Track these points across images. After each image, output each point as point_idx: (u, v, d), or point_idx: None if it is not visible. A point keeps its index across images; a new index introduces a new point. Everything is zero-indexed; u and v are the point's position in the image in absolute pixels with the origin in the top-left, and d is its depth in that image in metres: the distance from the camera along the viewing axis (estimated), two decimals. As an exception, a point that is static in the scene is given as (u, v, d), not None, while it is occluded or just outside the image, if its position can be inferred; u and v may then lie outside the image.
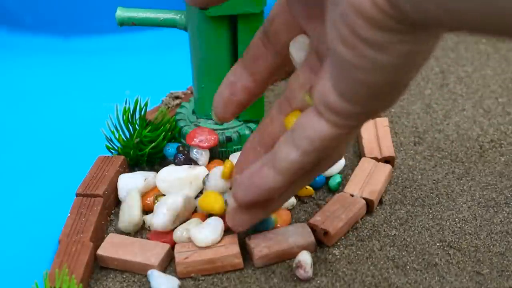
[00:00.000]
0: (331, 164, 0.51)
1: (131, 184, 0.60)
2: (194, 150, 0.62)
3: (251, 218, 0.53)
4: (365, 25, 0.40)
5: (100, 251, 0.55)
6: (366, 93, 0.42)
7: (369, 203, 0.59)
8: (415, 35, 0.40)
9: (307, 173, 0.50)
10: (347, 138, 0.49)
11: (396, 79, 0.42)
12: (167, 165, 0.62)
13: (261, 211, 0.52)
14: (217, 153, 0.63)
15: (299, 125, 0.46)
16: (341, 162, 0.63)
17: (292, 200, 0.60)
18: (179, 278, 0.55)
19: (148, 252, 0.55)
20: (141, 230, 0.59)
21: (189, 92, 0.69)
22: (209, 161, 0.62)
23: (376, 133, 0.64)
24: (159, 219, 0.56)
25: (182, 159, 0.61)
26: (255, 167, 0.49)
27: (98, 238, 0.57)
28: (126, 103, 0.62)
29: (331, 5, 0.41)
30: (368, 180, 0.60)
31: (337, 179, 0.61)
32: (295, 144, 0.46)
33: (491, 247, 0.57)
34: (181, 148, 0.62)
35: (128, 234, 0.58)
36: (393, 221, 0.59)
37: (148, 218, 0.58)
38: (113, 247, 0.56)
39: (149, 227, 0.58)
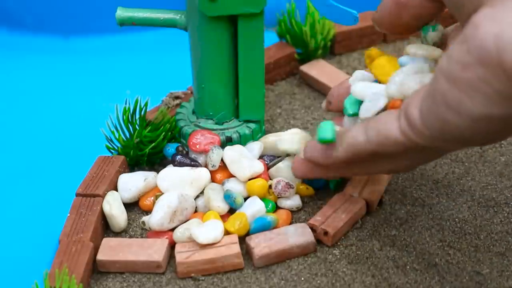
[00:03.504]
0: (392, 168, 0.53)
1: (131, 184, 0.60)
2: (194, 150, 0.62)
3: (310, 173, 0.56)
4: (481, 73, 0.41)
5: (99, 256, 0.55)
6: (440, 128, 0.45)
7: (369, 203, 0.59)
8: None
9: (365, 162, 0.53)
10: (411, 153, 0.50)
11: (473, 135, 0.44)
12: (167, 165, 0.62)
13: (321, 171, 0.56)
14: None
15: (379, 116, 0.50)
16: None
17: (298, 202, 0.60)
18: (179, 278, 0.55)
19: (149, 250, 0.55)
20: (141, 231, 0.59)
21: (189, 92, 0.69)
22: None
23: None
24: (155, 216, 0.57)
25: (180, 161, 0.61)
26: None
27: (98, 238, 0.57)
28: (126, 103, 0.62)
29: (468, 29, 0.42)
30: (368, 180, 0.60)
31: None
32: (366, 130, 0.50)
33: (491, 247, 0.57)
34: (180, 148, 0.62)
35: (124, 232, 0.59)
36: (393, 221, 0.59)
37: (147, 218, 0.58)
38: (112, 250, 0.56)
39: (149, 228, 0.58)
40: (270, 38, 0.72)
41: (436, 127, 0.45)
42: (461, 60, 0.42)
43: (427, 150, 0.50)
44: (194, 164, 0.60)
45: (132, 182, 0.60)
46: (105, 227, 0.59)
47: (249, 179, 0.59)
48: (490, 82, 0.41)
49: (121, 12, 0.61)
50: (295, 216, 0.59)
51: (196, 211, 0.59)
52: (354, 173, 0.57)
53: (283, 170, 0.60)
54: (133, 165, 0.64)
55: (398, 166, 0.53)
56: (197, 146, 0.61)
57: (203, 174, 0.60)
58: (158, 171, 0.61)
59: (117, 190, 0.60)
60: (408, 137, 0.47)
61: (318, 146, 0.54)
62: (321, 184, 0.61)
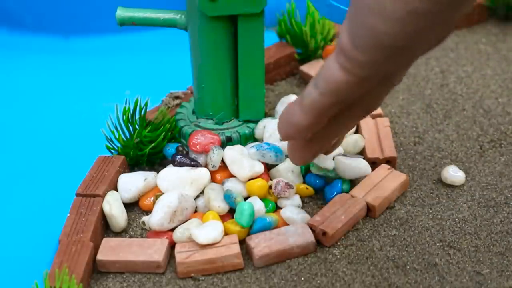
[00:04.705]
0: (363, 113, 0.51)
1: (131, 184, 0.60)
2: (194, 150, 0.62)
3: (303, 153, 0.53)
4: None
5: (99, 256, 0.55)
6: (372, 42, 0.43)
7: (370, 208, 0.59)
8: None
9: (339, 117, 0.50)
10: (361, 87, 0.46)
11: (406, 39, 0.42)
12: (167, 165, 0.62)
13: (309, 147, 0.53)
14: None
15: (323, 66, 0.46)
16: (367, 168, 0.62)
17: (298, 202, 0.60)
18: (179, 278, 0.55)
19: (149, 250, 0.55)
20: (141, 231, 0.59)
21: (189, 92, 0.69)
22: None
23: (377, 134, 0.64)
24: (155, 216, 0.57)
25: (180, 161, 0.61)
26: (291, 103, 0.50)
27: (98, 238, 0.57)
28: (126, 103, 0.62)
29: None
30: (376, 186, 0.60)
31: (345, 185, 0.61)
32: (316, 84, 0.47)
33: (491, 247, 0.57)
34: (180, 148, 0.62)
35: (123, 232, 0.59)
36: (393, 221, 0.59)
37: (147, 218, 0.58)
38: (112, 251, 0.56)
39: (149, 228, 0.58)
40: (270, 38, 0.72)
41: (367, 44, 0.43)
42: None
43: (379, 80, 0.47)
44: (194, 164, 0.60)
45: (132, 182, 0.60)
46: (105, 227, 0.59)
47: (249, 179, 0.59)
48: None
49: (121, 12, 0.61)
50: (295, 216, 0.59)
51: (196, 211, 0.59)
52: (338, 134, 0.54)
53: (283, 171, 0.60)
54: (133, 165, 0.64)
55: (373, 103, 0.51)
56: (197, 147, 0.61)
57: (203, 174, 0.60)
58: (158, 171, 0.61)
59: (117, 190, 0.60)
60: (349, 71, 0.45)
61: (284, 120, 0.50)
62: (321, 184, 0.61)
